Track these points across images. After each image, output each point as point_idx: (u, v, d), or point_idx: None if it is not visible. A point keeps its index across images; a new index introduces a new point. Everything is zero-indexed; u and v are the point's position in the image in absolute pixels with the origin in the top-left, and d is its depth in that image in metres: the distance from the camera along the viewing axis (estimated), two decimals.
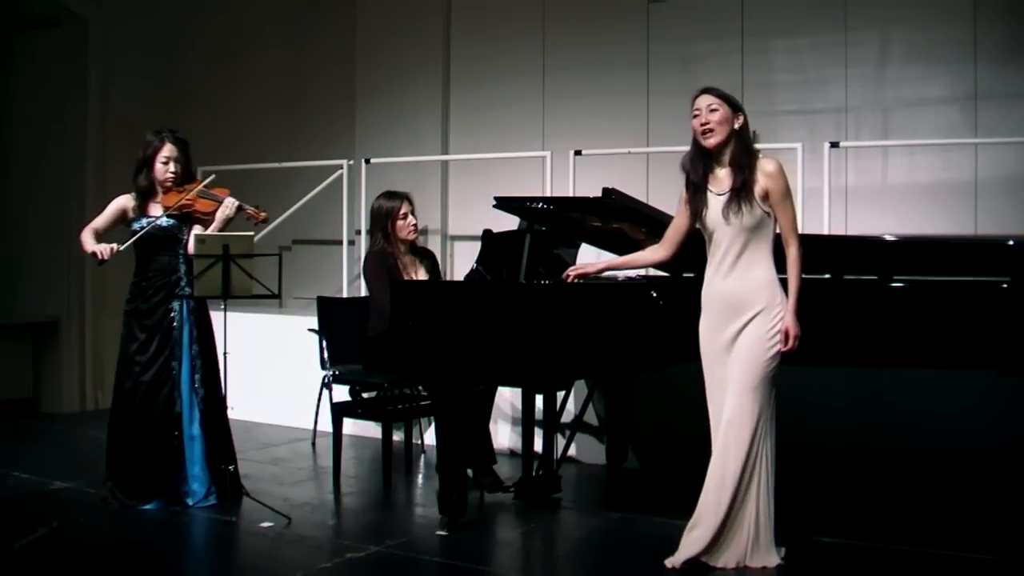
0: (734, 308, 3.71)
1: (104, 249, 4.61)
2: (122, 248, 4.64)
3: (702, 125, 3.72)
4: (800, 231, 3.80)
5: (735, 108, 3.74)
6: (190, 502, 4.64)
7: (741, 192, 3.67)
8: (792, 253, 3.72)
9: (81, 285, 7.42)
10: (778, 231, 3.76)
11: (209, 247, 4.47)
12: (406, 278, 4.95)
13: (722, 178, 3.74)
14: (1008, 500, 4.70)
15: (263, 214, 4.83)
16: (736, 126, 3.73)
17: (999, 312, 3.74)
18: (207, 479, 4.70)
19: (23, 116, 7.61)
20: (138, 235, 4.66)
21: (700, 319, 3.82)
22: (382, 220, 5.01)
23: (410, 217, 5.01)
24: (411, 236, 5.03)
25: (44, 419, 7.18)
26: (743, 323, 3.70)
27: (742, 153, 3.71)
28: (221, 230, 4.71)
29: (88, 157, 7.42)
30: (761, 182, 3.69)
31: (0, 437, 6.45)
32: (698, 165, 3.77)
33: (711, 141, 3.72)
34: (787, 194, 3.72)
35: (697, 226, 3.81)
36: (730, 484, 3.66)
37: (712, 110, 3.72)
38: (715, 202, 3.73)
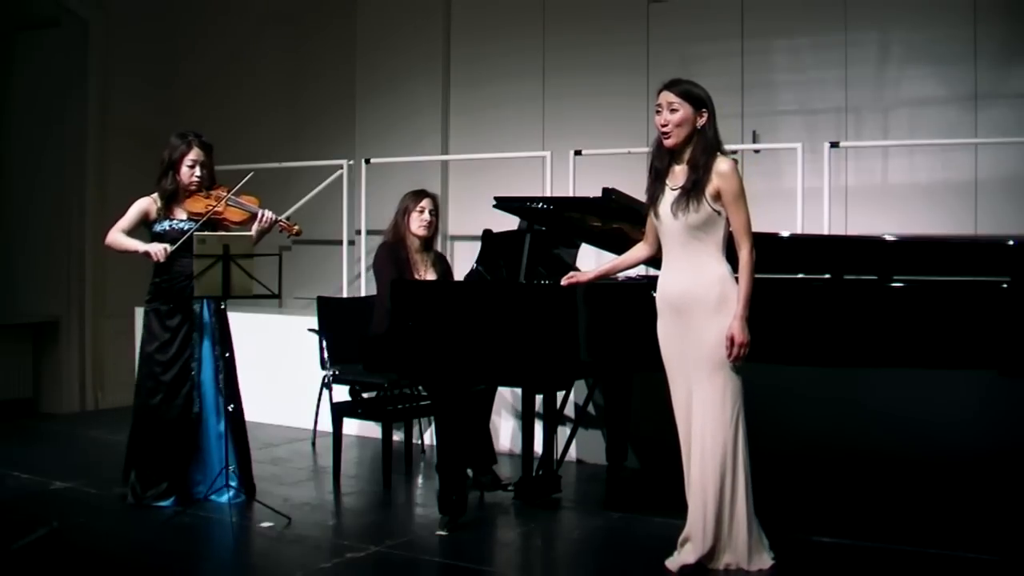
0: (685, 308, 3.66)
1: (159, 251, 4.61)
2: (173, 249, 4.63)
3: (661, 126, 3.69)
4: (800, 231, 3.78)
5: (698, 106, 3.66)
6: (223, 499, 4.61)
7: (691, 191, 3.62)
8: (744, 256, 3.62)
9: (81, 285, 7.43)
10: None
11: (209, 247, 4.47)
12: (415, 275, 4.95)
13: (679, 174, 3.70)
14: (1008, 500, 4.70)
15: (296, 227, 4.89)
16: (699, 124, 3.66)
17: (999, 312, 3.74)
18: (236, 479, 4.72)
19: (23, 116, 7.62)
20: (185, 237, 4.62)
21: (657, 325, 3.79)
22: (400, 213, 5.02)
23: (427, 214, 5.00)
24: (421, 231, 5.00)
25: (44, 419, 7.18)
26: (697, 323, 3.64)
27: (701, 153, 3.64)
28: (257, 242, 4.72)
29: (88, 157, 7.43)
30: (714, 181, 3.61)
31: (0, 437, 6.45)
32: (664, 154, 3.74)
33: (669, 143, 3.69)
34: (740, 195, 3.61)
35: (653, 218, 3.78)
36: (712, 492, 3.61)
37: (672, 109, 3.66)
38: (669, 196, 3.69)
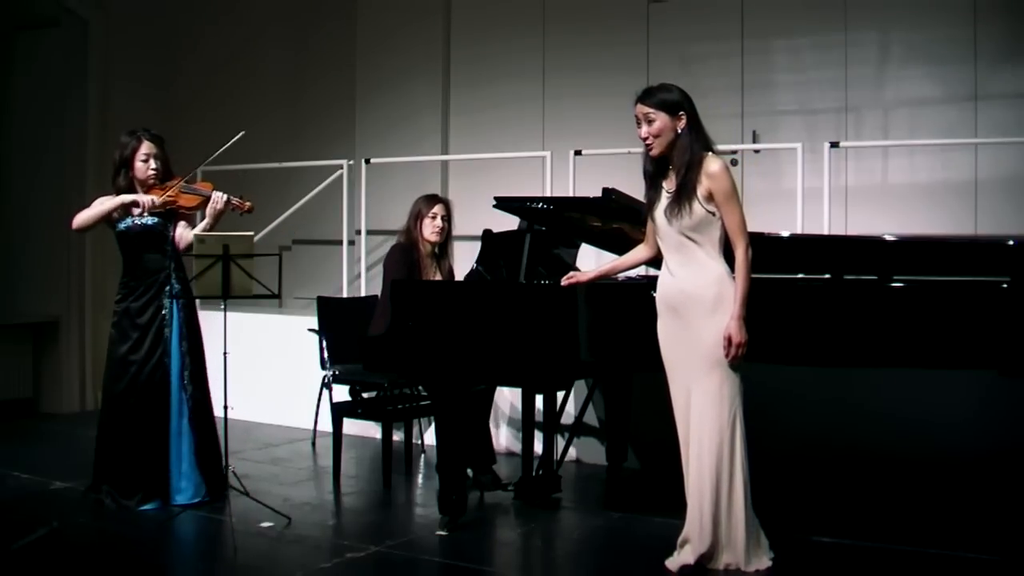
0: (683, 308, 3.66)
1: (147, 200, 4.62)
2: (159, 201, 4.65)
3: (643, 139, 3.70)
4: (800, 231, 3.77)
5: (673, 111, 3.65)
6: (180, 500, 4.62)
7: (682, 195, 3.62)
8: (739, 255, 3.61)
9: (81, 285, 7.43)
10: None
11: (209, 247, 4.47)
12: (425, 279, 4.97)
13: (672, 177, 3.71)
14: (1008, 500, 4.70)
15: (248, 204, 4.83)
16: (679, 129, 3.66)
17: (999, 312, 3.74)
18: (196, 477, 4.68)
19: (23, 116, 7.61)
20: (163, 198, 4.64)
21: (657, 325, 3.79)
22: (412, 217, 5.05)
23: (439, 220, 5.02)
24: (433, 237, 5.02)
25: (44, 419, 7.17)
26: (695, 323, 3.64)
27: (684, 155, 3.64)
28: (213, 225, 4.72)
29: (88, 157, 7.42)
30: (705, 183, 3.61)
31: (0, 437, 6.45)
32: (653, 159, 3.74)
33: (653, 153, 3.70)
34: (732, 194, 3.61)
35: (650, 221, 3.79)
36: (709, 492, 3.61)
37: (649, 120, 3.67)
38: (665, 200, 3.70)
